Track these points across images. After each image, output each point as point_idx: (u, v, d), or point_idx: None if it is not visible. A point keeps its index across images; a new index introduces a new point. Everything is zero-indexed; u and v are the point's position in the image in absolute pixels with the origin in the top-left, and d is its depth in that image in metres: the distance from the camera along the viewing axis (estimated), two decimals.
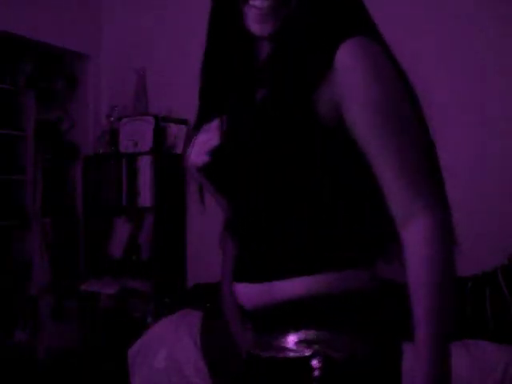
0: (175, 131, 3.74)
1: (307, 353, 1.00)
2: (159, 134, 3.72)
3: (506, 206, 2.94)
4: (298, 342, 1.02)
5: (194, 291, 3.43)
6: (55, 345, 3.80)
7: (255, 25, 1.06)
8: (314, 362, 1.00)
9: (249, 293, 1.09)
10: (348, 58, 0.98)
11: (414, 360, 0.94)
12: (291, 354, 1.03)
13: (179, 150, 3.58)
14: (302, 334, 1.02)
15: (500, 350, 2.38)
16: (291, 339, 1.03)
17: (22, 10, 3.64)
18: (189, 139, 1.16)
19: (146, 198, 3.67)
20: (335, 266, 1.02)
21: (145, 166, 3.67)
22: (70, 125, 4.21)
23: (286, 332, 1.03)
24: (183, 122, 3.68)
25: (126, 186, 3.74)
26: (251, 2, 1.05)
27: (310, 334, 1.01)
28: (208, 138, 1.10)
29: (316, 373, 0.99)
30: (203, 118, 1.15)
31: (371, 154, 0.99)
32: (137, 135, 3.72)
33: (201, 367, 2.76)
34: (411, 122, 1.01)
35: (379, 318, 1.03)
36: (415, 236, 0.97)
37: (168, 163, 3.70)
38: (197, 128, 1.15)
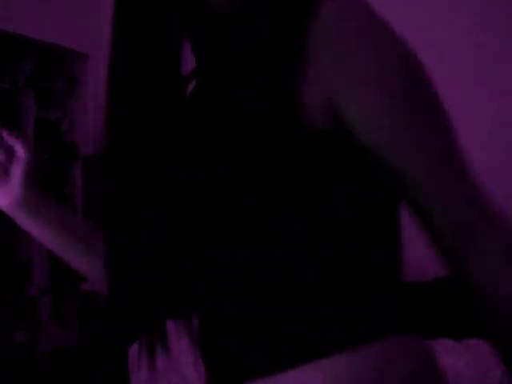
0: None
1: None
2: None
3: (507, 205, 2.92)
4: None
5: None
6: (55, 345, 3.79)
7: None
8: None
9: None
10: (334, 20, 0.64)
11: None
12: None
13: None
14: None
15: None
16: None
17: (21, 10, 3.63)
18: None
19: None
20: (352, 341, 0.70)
21: None
22: (70, 124, 4.20)
23: None
24: None
25: None
26: None
27: None
28: None
29: None
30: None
31: (399, 160, 0.68)
32: None
33: (201, 368, 2.75)
34: (437, 104, 0.70)
35: None
36: (493, 262, 0.73)
37: None
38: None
